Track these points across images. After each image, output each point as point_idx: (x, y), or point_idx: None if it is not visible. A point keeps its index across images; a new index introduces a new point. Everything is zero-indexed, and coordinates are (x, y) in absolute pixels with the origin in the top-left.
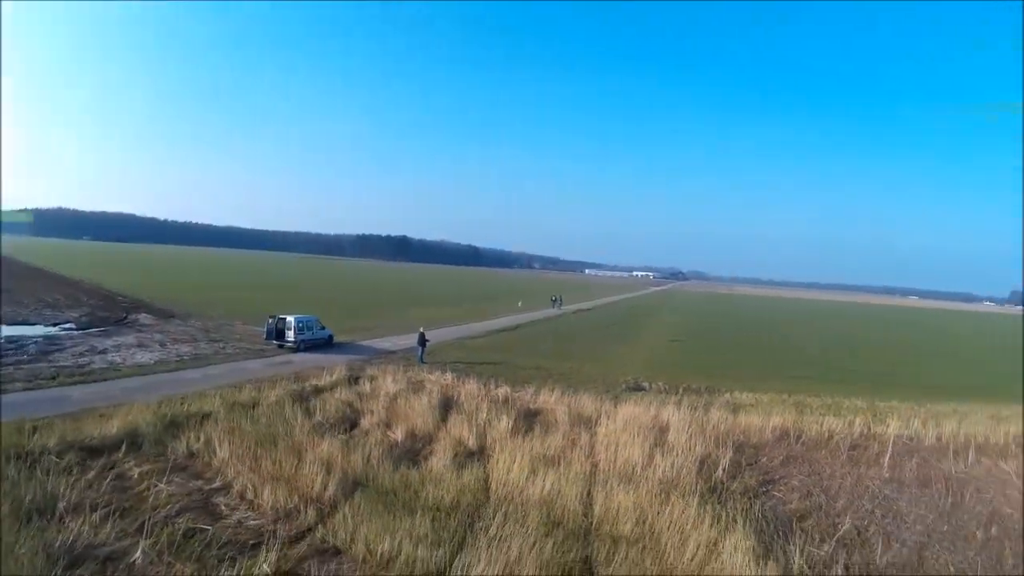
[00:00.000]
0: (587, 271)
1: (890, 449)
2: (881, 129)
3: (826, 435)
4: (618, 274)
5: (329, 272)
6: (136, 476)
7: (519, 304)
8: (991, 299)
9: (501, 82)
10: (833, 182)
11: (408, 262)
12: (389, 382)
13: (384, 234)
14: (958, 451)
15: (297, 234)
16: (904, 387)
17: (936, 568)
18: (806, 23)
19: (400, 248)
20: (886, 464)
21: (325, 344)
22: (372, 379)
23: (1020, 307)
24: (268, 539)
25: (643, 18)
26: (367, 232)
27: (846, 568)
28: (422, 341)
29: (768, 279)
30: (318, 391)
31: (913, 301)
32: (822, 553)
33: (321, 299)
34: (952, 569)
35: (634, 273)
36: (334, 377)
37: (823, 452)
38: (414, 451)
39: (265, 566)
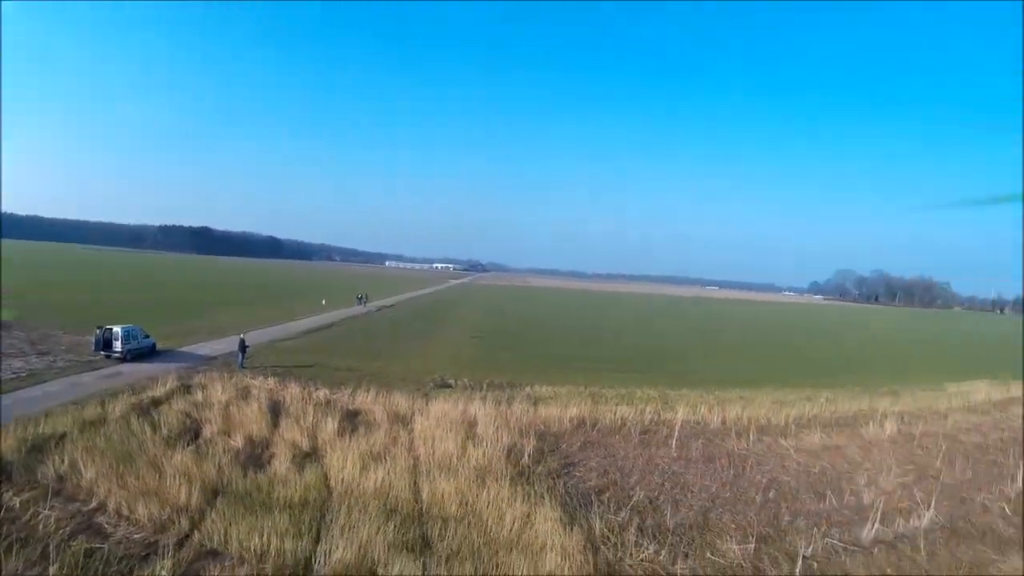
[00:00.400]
0: (388, 263)
1: (677, 432)
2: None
3: (619, 422)
4: (419, 266)
5: (131, 267)
6: (19, 505)
7: (323, 303)
8: (791, 289)
9: (305, 64)
10: (632, 181)
11: (211, 255)
12: (219, 390)
13: (187, 225)
14: (741, 432)
15: (93, 224)
16: (697, 376)
17: (719, 526)
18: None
19: (202, 240)
20: (674, 445)
21: (149, 353)
22: (203, 388)
23: (820, 297)
24: (155, 549)
25: None
26: (169, 223)
27: (640, 530)
28: (242, 347)
29: (569, 270)
30: (156, 403)
31: (715, 292)
32: (618, 519)
33: (127, 301)
34: (733, 526)
35: (435, 265)
36: (168, 387)
37: (617, 437)
38: (255, 456)
39: (164, 573)
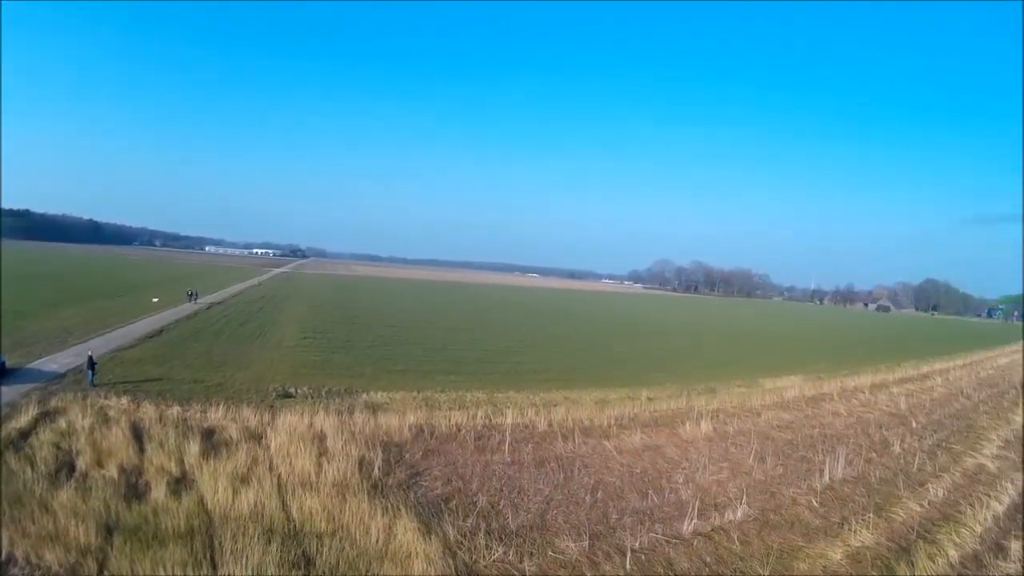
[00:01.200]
0: (208, 248)
1: (508, 437)
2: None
3: (455, 429)
4: (238, 252)
5: None
6: None
7: (154, 300)
8: (610, 277)
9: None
10: (452, 168)
11: (28, 240)
12: (79, 416)
13: (7, 207)
14: (567, 435)
15: None
16: (523, 376)
17: (556, 526)
18: None
19: (20, 223)
20: (507, 450)
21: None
22: (62, 412)
23: (638, 285)
24: None
25: None
26: None
27: (487, 533)
28: (91, 364)
29: (389, 256)
30: (24, 435)
31: (536, 279)
32: (467, 524)
33: None
34: (567, 526)
35: (254, 251)
36: (30, 416)
37: (454, 444)
38: (132, 486)
39: None
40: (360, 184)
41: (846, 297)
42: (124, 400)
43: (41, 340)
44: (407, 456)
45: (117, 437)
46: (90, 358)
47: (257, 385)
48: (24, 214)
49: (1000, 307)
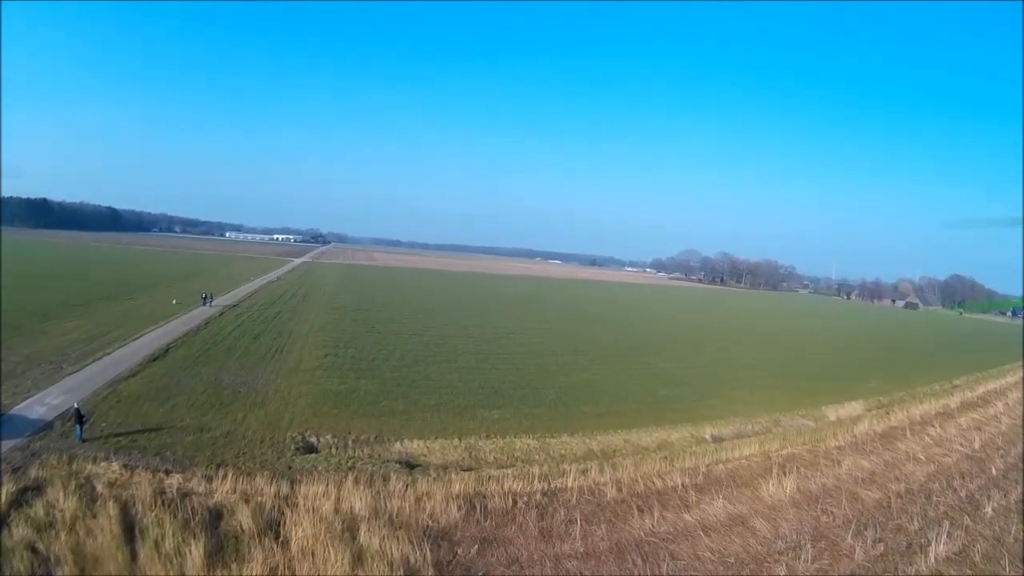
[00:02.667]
0: (228, 234)
1: (577, 514)
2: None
3: (511, 501)
4: (259, 238)
5: None
6: None
7: (174, 303)
8: (633, 264)
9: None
10: (478, 152)
11: (49, 229)
12: (61, 497)
13: (24, 196)
14: (642, 506)
15: None
16: (573, 408)
17: None
18: None
19: (41, 213)
20: (578, 535)
21: None
22: (43, 488)
23: (663, 274)
24: None
25: None
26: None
27: None
28: (79, 419)
29: (410, 241)
30: None
31: (556, 266)
32: None
33: None
34: None
35: (275, 237)
36: (5, 498)
37: (513, 528)
38: None
39: None
40: (383, 168)
41: (873, 292)
42: (115, 466)
43: (34, 366)
44: (459, 552)
45: (104, 534)
46: (77, 411)
47: (272, 433)
48: (42, 203)
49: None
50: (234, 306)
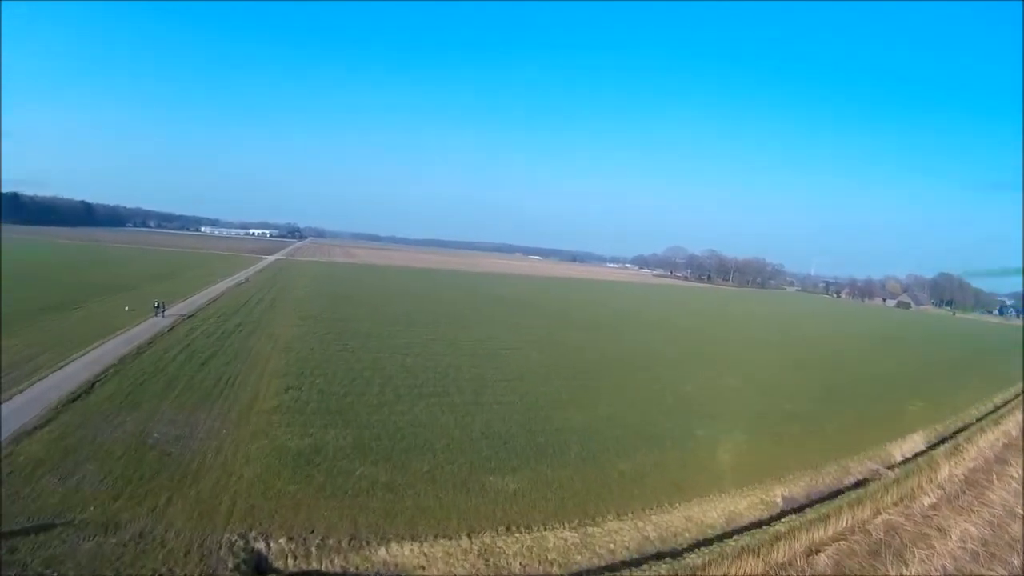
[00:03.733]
0: (204, 229)
1: None
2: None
3: None
4: (234, 233)
5: None
6: None
7: (127, 309)
8: (615, 261)
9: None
10: (454, 147)
11: (21, 224)
12: None
13: None
14: None
15: None
16: (605, 465)
17: None
18: None
19: (13, 209)
20: None
21: None
22: None
23: (645, 271)
24: None
25: None
26: None
27: None
28: None
29: (389, 236)
30: None
31: (536, 262)
32: None
33: None
34: None
35: (251, 232)
36: None
37: None
38: None
39: None
40: (360, 162)
41: (864, 291)
42: None
43: None
44: None
45: None
46: None
47: (204, 533)
48: (12, 198)
49: (1008, 303)
50: (191, 316)
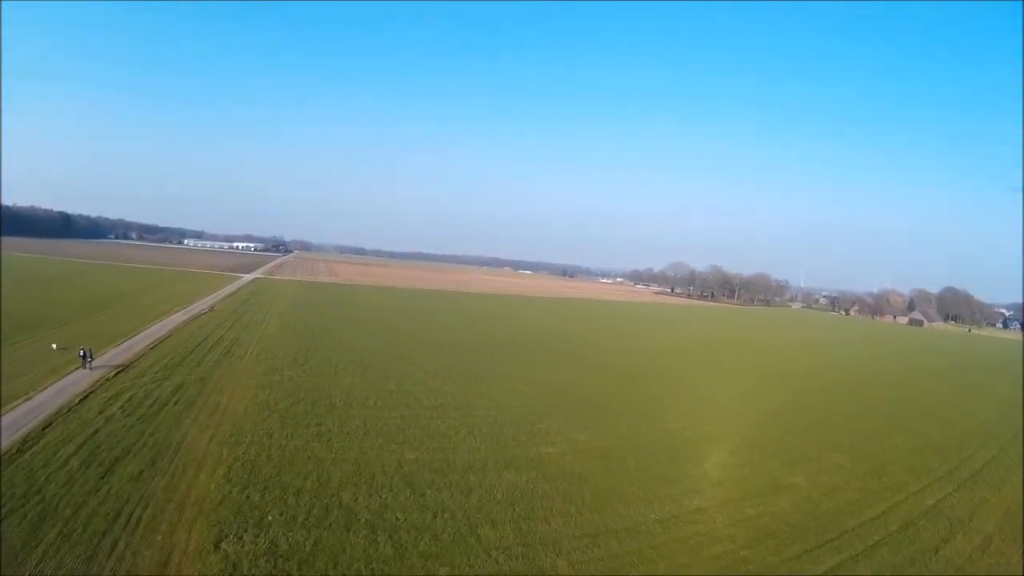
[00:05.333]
0: (187, 241)
1: None
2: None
3: None
4: (218, 246)
5: None
6: None
7: (54, 347)
8: (606, 275)
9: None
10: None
11: None
12: None
13: None
14: None
15: None
16: None
17: None
18: None
19: None
20: None
21: None
22: None
23: (640, 286)
24: None
25: None
26: None
27: None
28: None
29: (374, 249)
30: None
31: (526, 277)
32: None
33: None
34: None
35: (235, 246)
36: None
37: None
38: None
39: None
40: (349, 173)
41: (874, 308)
42: None
43: None
44: None
45: None
46: None
47: None
48: None
49: (1007, 314)
50: (125, 367)
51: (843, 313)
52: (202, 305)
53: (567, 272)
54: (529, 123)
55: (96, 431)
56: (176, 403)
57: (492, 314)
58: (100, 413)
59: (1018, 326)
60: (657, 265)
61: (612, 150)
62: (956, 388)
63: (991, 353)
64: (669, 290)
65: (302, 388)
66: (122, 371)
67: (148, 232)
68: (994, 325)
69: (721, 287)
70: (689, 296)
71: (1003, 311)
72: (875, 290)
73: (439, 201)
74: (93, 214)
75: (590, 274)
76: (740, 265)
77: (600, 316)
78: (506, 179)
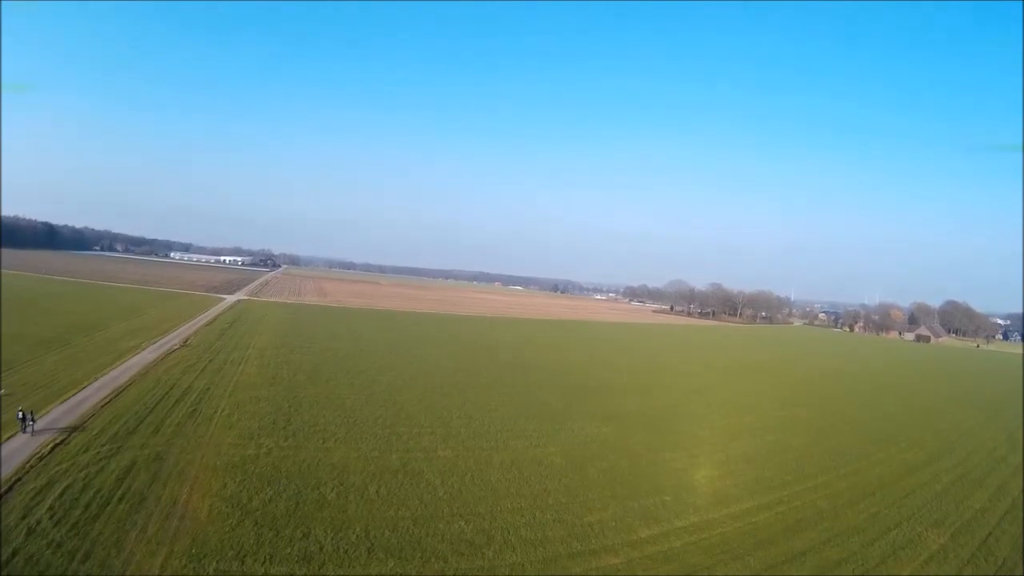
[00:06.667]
0: (174, 255)
1: None
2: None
3: None
4: (206, 260)
5: None
6: None
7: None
8: (599, 291)
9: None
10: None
11: None
12: None
13: None
14: None
15: None
16: None
17: None
18: None
19: None
20: None
21: None
22: None
23: (635, 303)
24: None
25: None
26: None
27: None
28: None
29: (364, 263)
30: None
31: (518, 293)
32: None
33: None
34: None
35: (223, 259)
36: None
37: None
38: None
39: None
40: (336, 185)
41: (880, 325)
42: None
43: None
44: None
45: None
46: None
47: None
48: None
49: (1004, 324)
50: (72, 431)
51: (847, 330)
52: (175, 338)
53: (559, 288)
54: (519, 135)
55: (13, 555)
56: (122, 499)
57: (496, 344)
58: (23, 519)
59: (1019, 338)
60: (651, 281)
61: (603, 163)
62: None
63: (997, 372)
64: (669, 308)
65: (283, 469)
66: (69, 436)
67: (134, 245)
68: (995, 337)
69: (723, 305)
70: (690, 314)
71: (999, 321)
72: (867, 302)
73: (428, 214)
74: (79, 225)
75: (582, 290)
76: (731, 279)
77: (621, 344)
78: (496, 192)
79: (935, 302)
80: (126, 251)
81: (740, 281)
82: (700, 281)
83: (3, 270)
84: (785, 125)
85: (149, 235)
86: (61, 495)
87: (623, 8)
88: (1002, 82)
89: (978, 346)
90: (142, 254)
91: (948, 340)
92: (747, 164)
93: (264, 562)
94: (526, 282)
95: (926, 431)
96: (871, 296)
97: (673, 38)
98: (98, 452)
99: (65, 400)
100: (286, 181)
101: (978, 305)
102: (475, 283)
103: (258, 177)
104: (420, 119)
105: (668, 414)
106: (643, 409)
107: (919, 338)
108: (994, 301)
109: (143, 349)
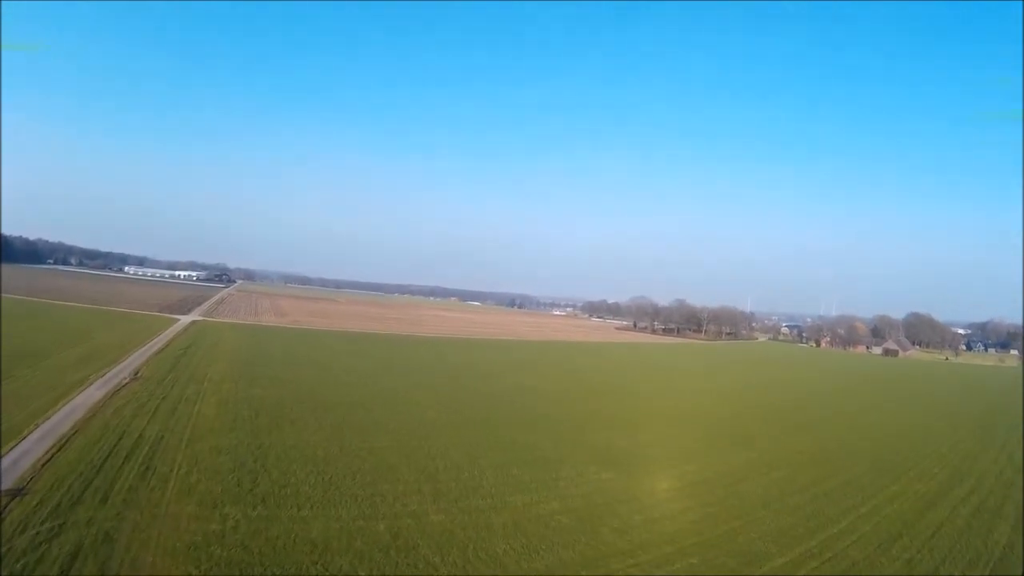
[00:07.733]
0: (128, 269)
1: None
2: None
3: None
4: (160, 274)
5: None
6: None
7: None
8: (556, 305)
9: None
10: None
11: None
12: None
13: None
14: None
15: None
16: None
17: None
18: None
19: None
20: None
21: None
22: None
23: (595, 319)
24: None
25: None
26: None
27: None
28: None
29: (319, 278)
30: None
31: (477, 310)
32: None
33: None
34: None
35: (178, 274)
36: None
37: None
38: None
39: None
40: (290, 199)
41: (846, 339)
42: None
43: None
44: None
45: None
46: None
47: None
48: None
49: (965, 334)
50: (14, 496)
51: (813, 344)
52: (126, 368)
53: (516, 303)
54: (474, 145)
55: None
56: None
57: (466, 370)
58: None
59: (983, 348)
60: (610, 295)
61: (555, 176)
62: None
63: (978, 387)
64: (631, 324)
65: (255, 550)
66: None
67: (89, 257)
68: (960, 348)
69: (687, 321)
70: (653, 331)
71: (961, 331)
72: (824, 313)
73: (385, 228)
74: (31, 236)
75: (539, 304)
76: (688, 293)
77: (592, 366)
78: (452, 204)
79: (895, 312)
80: (80, 264)
81: (697, 295)
82: (659, 295)
83: None
84: (737, 140)
85: (104, 247)
86: None
87: (571, 13)
88: (950, 88)
89: (947, 359)
90: (96, 268)
91: (915, 353)
92: (696, 179)
93: None
94: (483, 296)
95: (930, 457)
96: (827, 306)
97: (632, 56)
98: (38, 532)
99: (5, 454)
100: (243, 193)
101: (939, 315)
102: (432, 298)
103: (216, 189)
104: (375, 131)
105: (664, 452)
106: (636, 447)
107: (887, 352)
108: (954, 312)
109: (90, 384)
